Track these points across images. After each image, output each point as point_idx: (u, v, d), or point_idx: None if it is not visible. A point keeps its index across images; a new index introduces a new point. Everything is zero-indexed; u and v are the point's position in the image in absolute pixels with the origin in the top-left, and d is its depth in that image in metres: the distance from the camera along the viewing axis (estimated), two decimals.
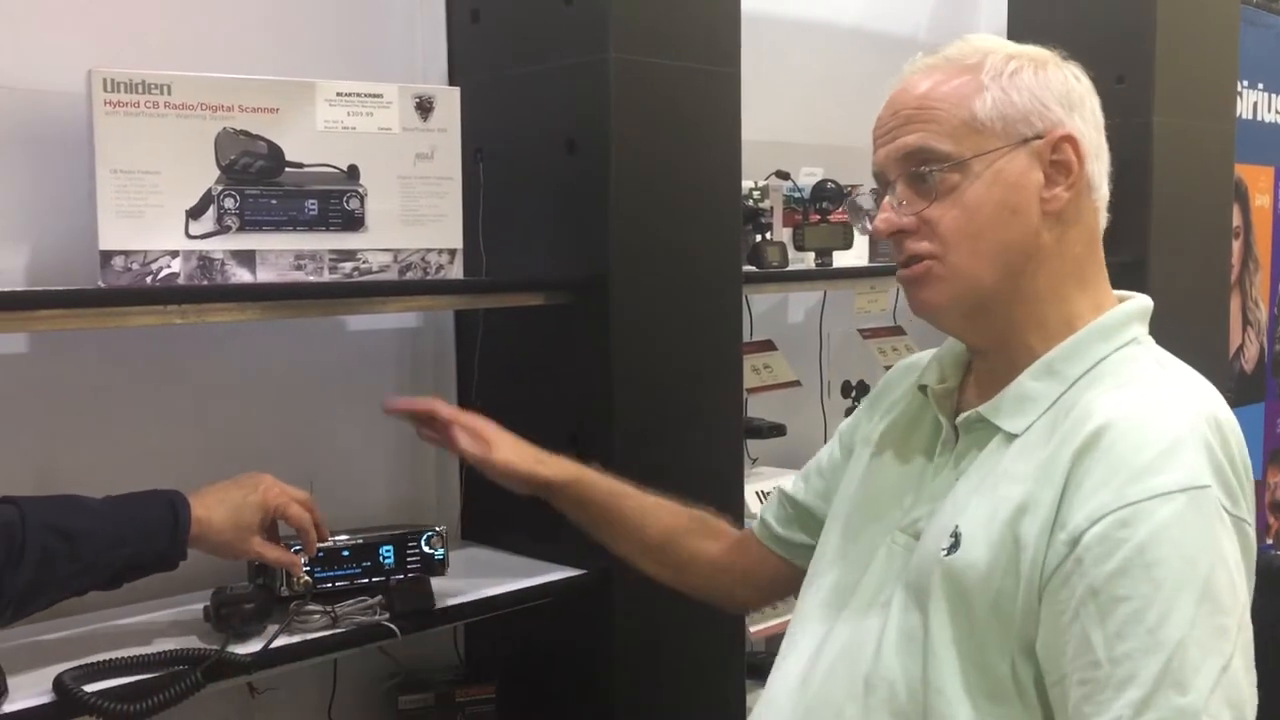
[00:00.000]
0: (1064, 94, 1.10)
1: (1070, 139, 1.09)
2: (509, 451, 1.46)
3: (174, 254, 1.46)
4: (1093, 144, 1.11)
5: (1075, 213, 1.10)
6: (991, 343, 1.13)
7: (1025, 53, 1.12)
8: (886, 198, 1.12)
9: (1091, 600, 0.95)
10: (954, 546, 1.04)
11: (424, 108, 1.61)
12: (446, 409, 1.50)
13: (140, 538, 1.32)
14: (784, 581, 1.39)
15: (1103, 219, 1.15)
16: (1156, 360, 1.10)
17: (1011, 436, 1.08)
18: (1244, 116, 3.53)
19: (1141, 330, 1.13)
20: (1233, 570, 0.96)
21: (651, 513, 1.46)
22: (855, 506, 1.22)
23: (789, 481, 1.43)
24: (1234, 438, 1.03)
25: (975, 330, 1.14)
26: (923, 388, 1.21)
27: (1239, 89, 3.20)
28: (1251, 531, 1.01)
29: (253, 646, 1.42)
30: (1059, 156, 1.09)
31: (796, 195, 2.17)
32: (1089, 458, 0.99)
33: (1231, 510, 0.98)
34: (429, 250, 1.63)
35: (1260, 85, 3.73)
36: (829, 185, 2.14)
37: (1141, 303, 1.14)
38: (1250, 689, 0.96)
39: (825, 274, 2.18)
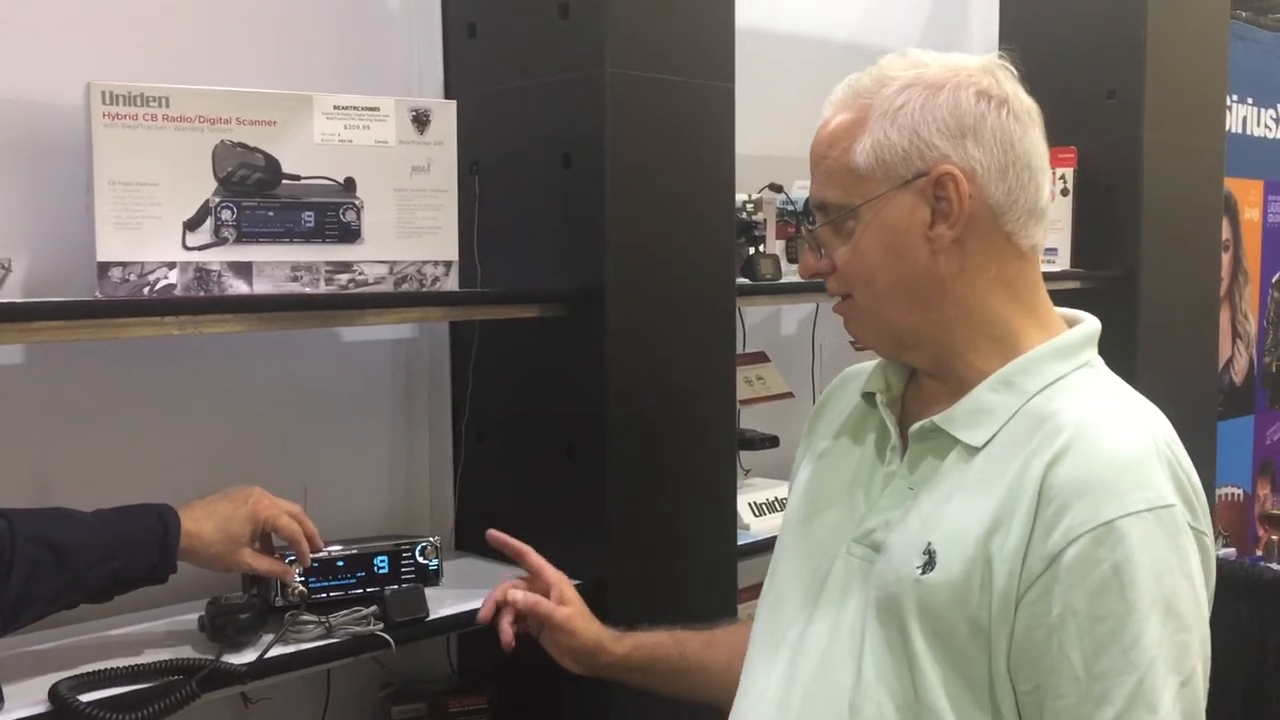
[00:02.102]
0: (952, 123, 1.08)
1: (950, 175, 1.07)
2: (577, 612, 1.44)
3: (171, 265, 1.46)
4: (994, 165, 1.08)
5: (979, 240, 1.09)
6: (931, 366, 1.16)
7: (923, 79, 1.09)
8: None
9: (1071, 618, 0.98)
10: (929, 565, 1.05)
11: (420, 121, 1.62)
12: (535, 558, 1.48)
13: (129, 551, 1.32)
14: None
15: (1030, 234, 1.11)
16: (1111, 383, 1.12)
17: (972, 449, 1.08)
18: (1233, 130, 3.56)
19: (1094, 354, 1.14)
20: (1196, 586, 1.02)
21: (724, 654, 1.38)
22: (806, 511, 1.23)
23: None
24: (1185, 455, 1.07)
25: (911, 357, 1.17)
26: (868, 395, 1.22)
27: (1228, 103, 3.22)
28: (1210, 542, 1.06)
29: (247, 656, 1.42)
30: (941, 193, 1.08)
31: (790, 208, 2.18)
32: (1061, 472, 1.01)
33: (1193, 524, 1.03)
34: (425, 262, 1.63)
35: (1249, 99, 3.76)
36: None
37: (1094, 326, 1.15)
38: (1203, 699, 1.02)
39: (818, 286, 2.17)
